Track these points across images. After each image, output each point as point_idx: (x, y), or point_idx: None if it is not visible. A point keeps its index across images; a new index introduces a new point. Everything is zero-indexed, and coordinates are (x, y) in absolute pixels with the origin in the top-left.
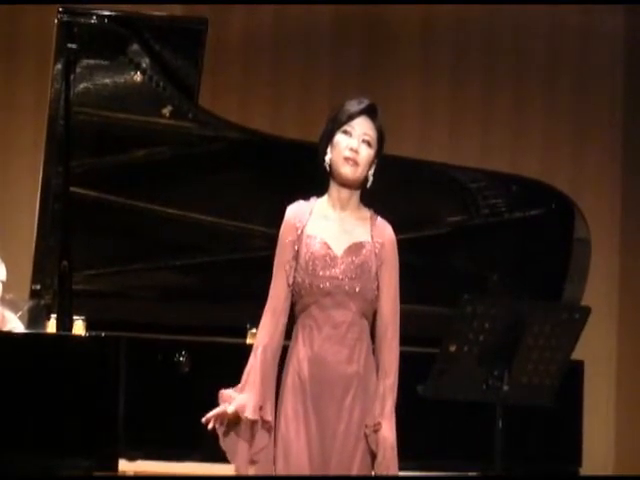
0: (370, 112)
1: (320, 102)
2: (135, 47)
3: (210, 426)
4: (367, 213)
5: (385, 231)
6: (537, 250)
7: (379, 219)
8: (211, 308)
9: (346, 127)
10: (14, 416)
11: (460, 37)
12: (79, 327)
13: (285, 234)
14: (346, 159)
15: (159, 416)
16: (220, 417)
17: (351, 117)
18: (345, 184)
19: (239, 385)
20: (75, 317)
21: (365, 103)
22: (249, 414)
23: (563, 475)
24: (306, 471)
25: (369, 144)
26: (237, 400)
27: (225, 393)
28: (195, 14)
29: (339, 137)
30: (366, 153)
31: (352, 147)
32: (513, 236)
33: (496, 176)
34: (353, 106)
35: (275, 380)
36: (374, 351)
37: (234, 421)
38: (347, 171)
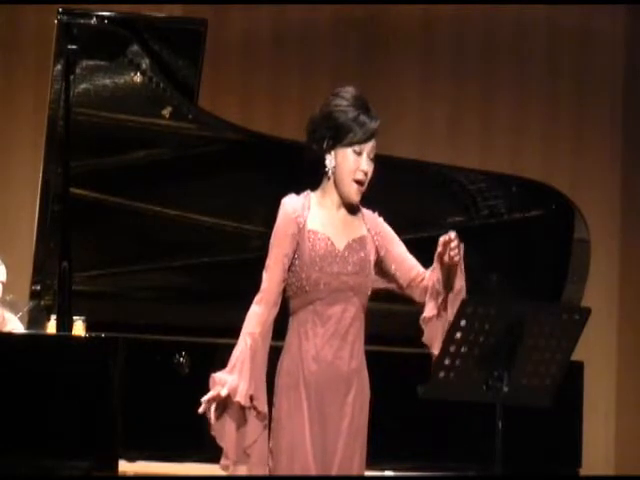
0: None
1: (320, 102)
2: (135, 48)
3: (212, 418)
4: (356, 206)
5: (376, 220)
6: (537, 251)
7: (367, 210)
8: (211, 309)
9: (358, 147)
10: (14, 416)
11: (460, 37)
12: (79, 328)
13: (285, 227)
14: (357, 183)
15: (159, 417)
16: (213, 401)
17: (368, 138)
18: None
19: (227, 368)
20: (75, 318)
21: (377, 120)
22: (240, 399)
23: (563, 475)
24: (311, 468)
25: (372, 159)
26: (229, 383)
27: (216, 377)
28: (195, 15)
29: (349, 154)
30: (371, 170)
31: (364, 170)
32: (513, 237)
33: (496, 177)
34: (371, 123)
35: (265, 371)
36: (408, 295)
37: (225, 404)
38: (354, 197)
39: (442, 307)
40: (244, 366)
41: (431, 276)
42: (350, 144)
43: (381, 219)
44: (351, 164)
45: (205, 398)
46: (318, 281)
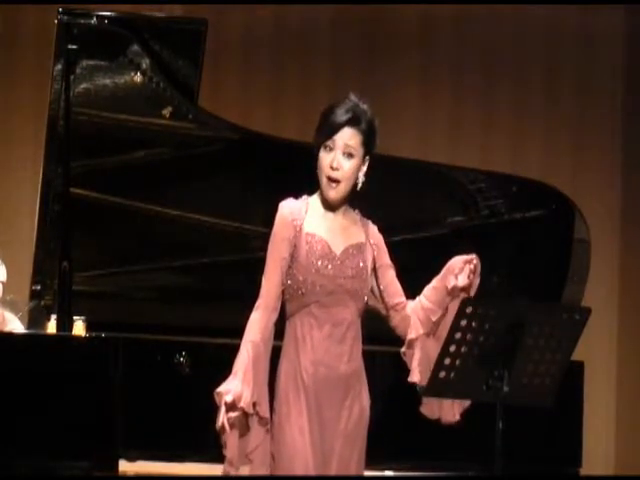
0: (353, 121)
1: (320, 102)
2: (135, 48)
3: (227, 429)
4: (354, 213)
5: (375, 232)
6: (537, 251)
7: (365, 220)
8: (211, 309)
9: (328, 142)
10: (14, 416)
11: (460, 38)
12: (79, 328)
13: (282, 230)
14: (328, 180)
15: (159, 417)
16: (226, 413)
17: (332, 132)
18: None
19: (230, 377)
20: (75, 317)
21: (349, 114)
22: (244, 405)
23: (563, 475)
24: (310, 471)
25: (350, 155)
26: (233, 389)
27: (221, 389)
28: (195, 14)
29: (321, 154)
30: (348, 166)
31: (332, 165)
32: (513, 237)
33: (496, 177)
34: (337, 117)
35: (267, 377)
36: (388, 318)
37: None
38: (329, 194)
39: (433, 329)
40: (247, 374)
41: (428, 297)
42: (321, 142)
43: (381, 235)
44: (323, 162)
45: (221, 418)
46: (314, 283)
